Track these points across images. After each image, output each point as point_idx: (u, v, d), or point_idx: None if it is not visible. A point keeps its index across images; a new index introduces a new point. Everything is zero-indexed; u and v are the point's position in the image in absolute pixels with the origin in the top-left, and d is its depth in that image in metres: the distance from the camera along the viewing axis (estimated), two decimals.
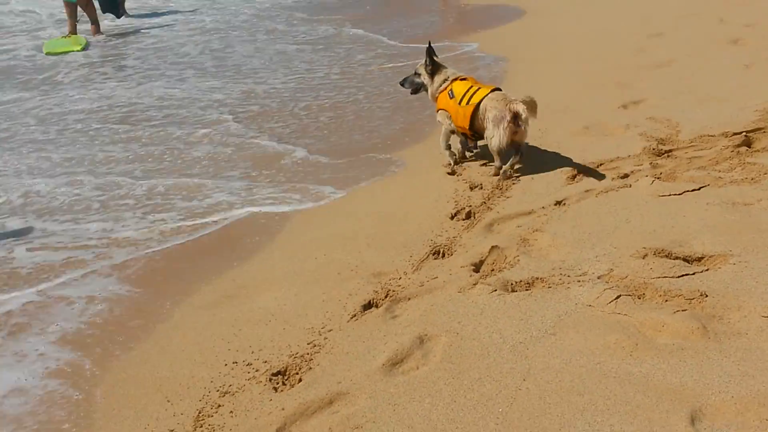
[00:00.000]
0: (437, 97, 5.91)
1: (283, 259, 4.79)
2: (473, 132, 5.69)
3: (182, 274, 4.77)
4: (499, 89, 5.63)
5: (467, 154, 6.09)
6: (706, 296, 3.47)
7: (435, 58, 5.94)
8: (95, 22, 13.92)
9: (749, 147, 5.36)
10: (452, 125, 5.83)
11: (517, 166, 5.56)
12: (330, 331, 3.79)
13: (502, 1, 13.72)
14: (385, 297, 4.03)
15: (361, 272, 4.39)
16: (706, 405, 2.77)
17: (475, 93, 5.61)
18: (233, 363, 3.63)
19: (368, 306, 3.99)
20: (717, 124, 5.87)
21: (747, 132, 5.57)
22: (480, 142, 5.97)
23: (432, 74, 5.95)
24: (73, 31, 13.60)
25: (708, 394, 2.82)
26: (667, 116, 6.22)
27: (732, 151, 5.26)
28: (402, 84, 6.21)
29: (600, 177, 5.22)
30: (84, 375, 3.74)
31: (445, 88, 5.82)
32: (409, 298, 3.96)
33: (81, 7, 13.65)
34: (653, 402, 2.82)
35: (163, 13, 16.12)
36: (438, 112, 5.91)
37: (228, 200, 5.86)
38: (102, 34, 13.88)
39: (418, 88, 6.12)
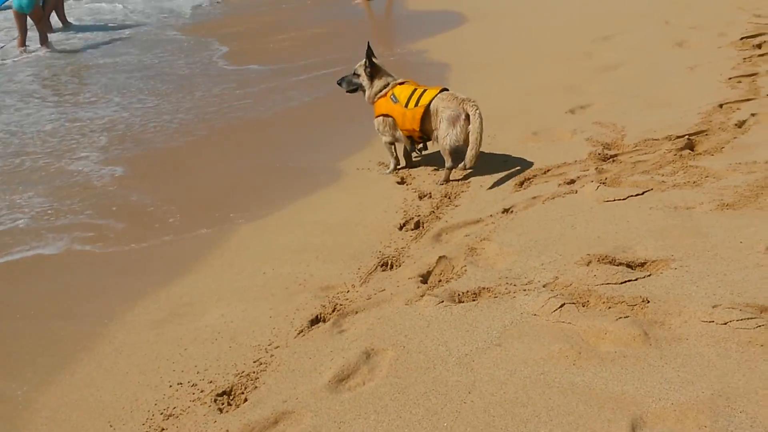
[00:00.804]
0: (376, 102, 5.89)
1: (231, 273, 4.74)
2: (422, 134, 5.70)
3: (126, 288, 4.69)
4: (446, 89, 5.65)
5: (414, 154, 6.10)
6: (648, 302, 3.50)
7: (374, 60, 5.91)
8: (45, 40, 13.43)
9: (692, 150, 5.44)
10: (390, 136, 5.84)
11: (467, 170, 5.61)
12: (277, 348, 3.76)
13: (441, 6, 13.68)
14: (333, 311, 4.01)
15: (309, 286, 4.37)
16: (647, 413, 2.79)
17: (422, 94, 5.62)
18: (178, 384, 3.58)
19: (315, 321, 3.97)
20: (661, 127, 5.94)
21: (690, 135, 5.65)
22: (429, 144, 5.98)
23: (371, 77, 5.92)
24: (23, 44, 13.27)
25: (648, 401, 2.84)
26: (613, 120, 6.29)
27: (675, 155, 5.33)
28: (339, 83, 6.14)
29: (547, 183, 5.25)
30: (16, 403, 3.65)
31: (386, 94, 5.81)
32: (356, 312, 3.95)
33: (33, 20, 13.31)
34: (595, 411, 2.83)
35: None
36: (376, 119, 5.89)
37: None
38: (48, 48, 13.33)
39: (355, 89, 6.07)
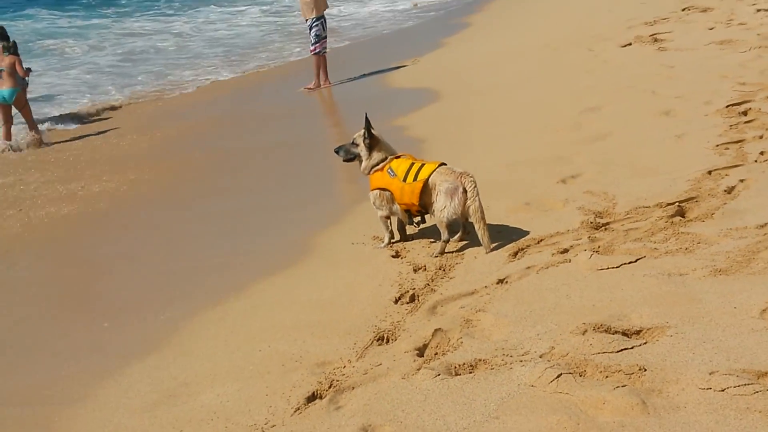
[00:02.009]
0: (372, 175, 5.94)
1: (226, 352, 4.72)
2: (421, 208, 5.74)
3: (120, 369, 4.66)
4: (444, 164, 5.72)
5: (413, 227, 6.13)
6: (645, 370, 3.49)
7: (373, 131, 5.97)
8: (33, 126, 12.93)
9: (683, 217, 5.49)
10: (386, 210, 5.88)
11: (462, 242, 5.66)
12: (273, 426, 3.73)
13: (421, 84, 13.76)
14: (329, 387, 3.99)
15: (305, 363, 4.35)
16: None
17: (420, 169, 5.68)
18: None
19: (312, 398, 3.95)
20: (651, 195, 6.01)
21: (680, 202, 5.70)
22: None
23: (370, 148, 5.95)
24: (8, 136, 12.71)
25: None
26: (603, 189, 6.36)
27: (666, 222, 5.37)
28: (337, 151, 6.17)
29: (540, 253, 5.28)
30: None
31: (382, 167, 5.86)
32: (353, 387, 3.92)
33: (17, 108, 12.86)
34: None
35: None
36: (372, 192, 5.93)
37: None
38: (41, 140, 12.63)
39: (352, 158, 6.10)
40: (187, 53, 20.77)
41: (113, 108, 15.01)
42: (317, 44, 14.63)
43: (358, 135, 5.99)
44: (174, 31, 24.94)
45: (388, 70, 15.29)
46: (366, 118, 5.89)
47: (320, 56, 14.70)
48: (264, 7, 29.50)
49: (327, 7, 15.02)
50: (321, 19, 14.68)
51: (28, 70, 13.13)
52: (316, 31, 14.63)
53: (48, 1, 31.02)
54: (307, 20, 14.77)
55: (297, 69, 17.00)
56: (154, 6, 31.49)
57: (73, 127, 13.93)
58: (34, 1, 30.96)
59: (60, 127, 13.96)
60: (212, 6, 30.21)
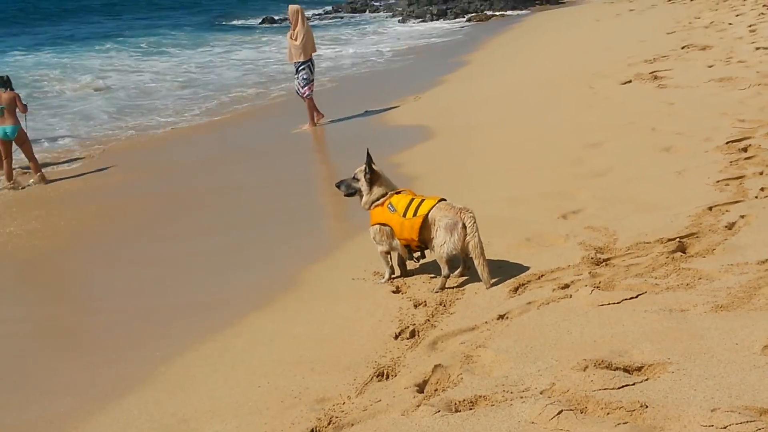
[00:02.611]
0: (372, 210, 5.96)
1: (226, 388, 4.69)
2: (420, 243, 5.74)
3: (118, 407, 4.63)
4: (444, 199, 5.73)
5: (414, 263, 6.12)
6: (647, 407, 3.46)
7: (374, 167, 5.99)
8: (33, 159, 12.77)
9: (684, 252, 5.48)
10: (387, 245, 5.89)
11: (462, 278, 5.66)
12: None
13: (408, 122, 13.88)
14: (328, 424, 3.96)
15: (305, 399, 4.32)
16: None
17: (420, 204, 5.69)
18: None
19: None
20: (652, 230, 6.00)
21: (681, 238, 5.70)
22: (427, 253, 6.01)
23: (370, 183, 5.98)
24: (10, 175, 12.57)
25: None
26: (604, 225, 6.36)
27: (667, 258, 5.37)
28: (338, 186, 6.19)
29: (541, 288, 5.26)
30: None
31: (383, 203, 5.87)
32: (352, 424, 3.90)
33: (17, 144, 12.75)
34: None
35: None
36: (372, 227, 5.94)
37: None
38: (43, 176, 12.58)
39: (353, 193, 6.11)
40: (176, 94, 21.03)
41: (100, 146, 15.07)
42: (305, 87, 14.70)
43: (360, 170, 6.01)
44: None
45: (387, 109, 15.37)
46: (368, 153, 5.92)
47: (309, 99, 14.76)
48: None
49: (315, 50, 15.14)
50: (309, 62, 14.78)
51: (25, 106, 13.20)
52: (304, 74, 14.70)
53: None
54: (294, 63, 14.83)
55: (282, 108, 17.19)
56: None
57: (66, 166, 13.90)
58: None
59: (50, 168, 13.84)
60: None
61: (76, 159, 14.07)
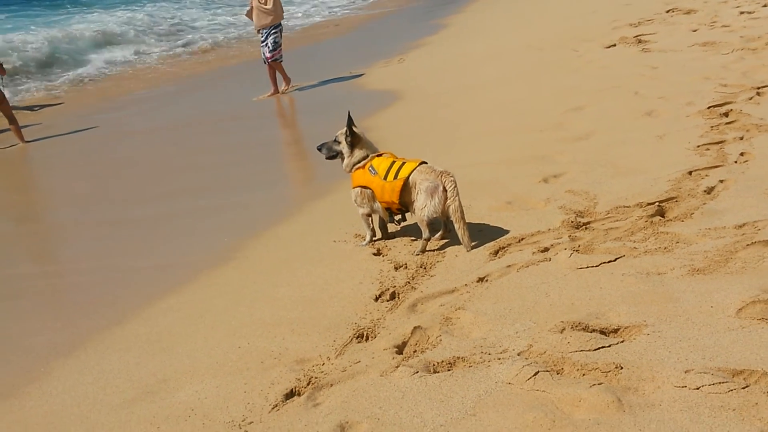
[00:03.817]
0: (354, 172, 5.95)
1: (206, 348, 4.70)
2: (401, 206, 5.74)
3: (98, 366, 4.64)
4: (425, 162, 5.72)
5: (395, 226, 6.13)
6: (622, 368, 3.51)
7: (355, 129, 5.96)
8: (13, 122, 12.85)
9: (663, 216, 5.52)
10: (368, 208, 5.89)
11: (443, 241, 5.68)
12: (251, 423, 3.72)
13: (385, 86, 13.71)
14: (308, 384, 3.98)
15: (284, 360, 4.34)
16: None
17: (401, 167, 5.68)
18: None
19: (290, 395, 3.94)
20: (632, 195, 6.04)
21: (660, 202, 5.74)
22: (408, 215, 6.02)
23: (351, 146, 5.96)
24: None
25: None
26: (585, 189, 6.38)
27: (646, 221, 5.40)
28: (319, 149, 6.15)
29: (521, 252, 5.29)
30: None
31: (364, 165, 5.86)
32: (331, 385, 3.92)
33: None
34: None
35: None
36: (354, 190, 5.93)
37: None
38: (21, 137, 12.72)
39: (334, 156, 6.10)
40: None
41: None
42: (275, 51, 14.53)
43: (341, 133, 5.98)
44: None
45: (364, 72, 15.28)
46: (348, 115, 5.89)
47: (278, 63, 14.63)
48: None
49: (283, 15, 14.98)
50: (279, 26, 14.65)
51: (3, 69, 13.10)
52: (275, 38, 14.55)
53: None
54: (260, 30, 14.63)
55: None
56: None
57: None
58: None
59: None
60: None
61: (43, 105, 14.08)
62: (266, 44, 14.55)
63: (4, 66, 13.37)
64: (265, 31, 14.56)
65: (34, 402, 4.36)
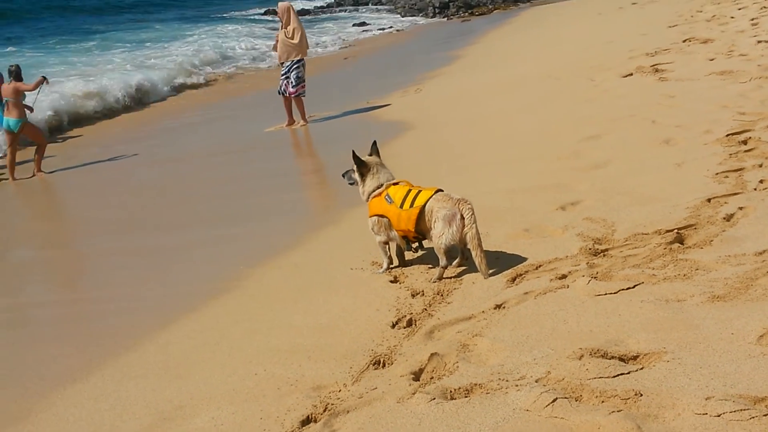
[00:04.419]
0: (370, 201, 5.97)
1: (222, 375, 4.69)
2: (417, 234, 5.75)
3: (115, 394, 4.64)
4: (441, 190, 5.73)
5: (407, 253, 6.12)
6: (641, 395, 3.47)
7: (363, 159, 6.01)
8: (39, 151, 13.24)
9: (681, 244, 5.48)
10: (385, 236, 5.90)
11: (460, 268, 5.67)
12: None
13: (401, 117, 13.72)
14: (324, 411, 3.96)
15: (301, 386, 4.32)
16: None
17: (417, 195, 5.69)
18: None
19: (306, 421, 3.92)
20: (650, 222, 6.00)
21: (679, 229, 5.70)
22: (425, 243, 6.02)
23: (362, 176, 6.02)
24: (12, 166, 13.08)
25: None
26: (603, 216, 6.35)
27: (665, 249, 5.36)
28: (343, 176, 6.27)
29: (539, 279, 5.26)
30: None
31: (380, 193, 5.89)
32: (348, 411, 3.90)
33: (27, 135, 13.29)
34: None
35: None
36: (370, 219, 5.96)
37: None
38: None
39: (353, 183, 6.18)
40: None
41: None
42: (298, 86, 14.52)
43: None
44: None
45: (381, 102, 15.39)
46: (353, 153, 6.01)
47: (299, 98, 14.63)
48: None
49: (307, 51, 15.00)
50: (302, 61, 14.65)
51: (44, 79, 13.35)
52: (298, 72, 14.53)
53: None
54: (284, 63, 14.66)
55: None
56: None
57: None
58: None
59: None
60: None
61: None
62: (288, 78, 14.53)
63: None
64: (287, 64, 14.57)
65: (50, 428, 4.37)
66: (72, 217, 10.61)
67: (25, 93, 13.23)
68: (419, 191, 5.75)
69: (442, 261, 5.65)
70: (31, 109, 13.42)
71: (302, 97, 14.63)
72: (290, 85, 14.53)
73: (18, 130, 12.96)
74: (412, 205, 5.66)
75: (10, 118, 12.89)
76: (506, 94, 14.09)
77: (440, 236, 5.54)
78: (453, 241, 5.53)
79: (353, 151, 6.00)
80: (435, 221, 5.57)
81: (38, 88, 13.51)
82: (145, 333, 5.61)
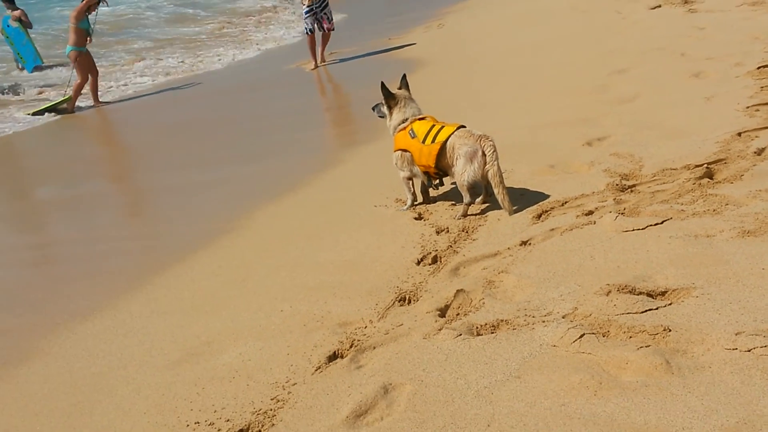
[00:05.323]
0: (396, 135, 5.93)
1: (249, 312, 4.72)
2: (438, 170, 5.70)
3: (144, 329, 4.70)
4: (464, 126, 5.66)
5: (431, 191, 6.09)
6: (670, 331, 3.44)
7: (392, 91, 5.98)
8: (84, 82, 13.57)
9: (711, 179, 5.38)
10: (408, 171, 5.85)
11: (485, 205, 5.63)
12: (294, 384, 3.73)
13: (421, 51, 13.67)
14: (350, 347, 3.98)
15: (327, 323, 4.34)
16: None
17: (440, 131, 5.62)
18: (195, 423, 3.56)
19: (333, 357, 3.94)
20: (679, 157, 5.90)
21: (708, 164, 5.59)
22: (446, 179, 5.98)
23: (389, 108, 5.99)
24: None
25: (672, 431, 2.78)
26: (630, 152, 6.25)
27: (694, 184, 5.27)
28: (373, 109, 6.23)
29: (565, 215, 5.21)
30: None
31: (405, 128, 5.83)
32: (374, 347, 3.91)
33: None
34: None
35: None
36: (395, 153, 5.91)
37: None
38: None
39: (383, 116, 6.15)
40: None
41: None
42: (332, 21, 14.47)
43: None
44: None
45: (402, 38, 15.14)
46: (382, 84, 5.96)
47: (329, 34, 14.54)
48: None
49: None
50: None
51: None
52: (328, 8, 14.48)
53: None
54: (305, 2, 14.40)
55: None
56: None
57: None
58: None
59: None
60: None
61: None
62: (325, 14, 14.33)
63: None
64: (319, 1, 14.36)
65: (81, 363, 4.42)
66: (93, 158, 10.63)
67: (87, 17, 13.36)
68: (442, 127, 5.68)
69: (466, 198, 5.60)
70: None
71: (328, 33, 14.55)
72: (327, 20, 14.38)
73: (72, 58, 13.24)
74: (434, 141, 5.60)
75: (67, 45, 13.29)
76: (531, 28, 13.82)
77: (462, 173, 5.48)
78: (475, 178, 5.47)
79: (382, 83, 5.93)
80: (457, 158, 5.51)
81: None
82: (171, 270, 5.66)
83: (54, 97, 13.87)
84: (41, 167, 10.14)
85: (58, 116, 12.89)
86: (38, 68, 16.51)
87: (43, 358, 4.59)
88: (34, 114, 12.75)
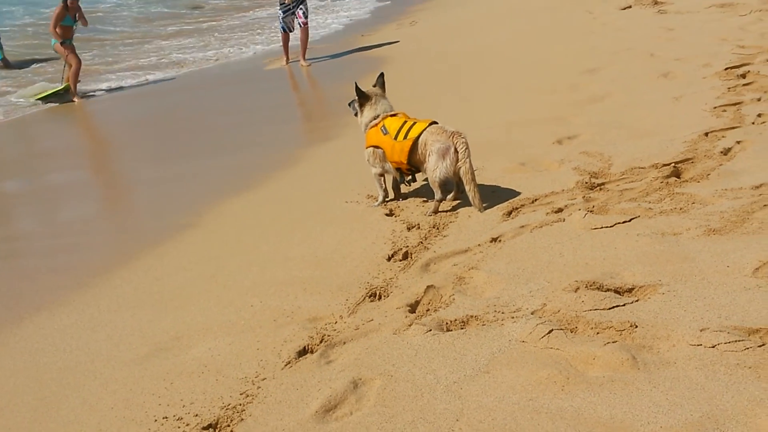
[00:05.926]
0: (367, 132, 5.93)
1: (219, 307, 4.70)
2: (410, 166, 5.71)
3: (112, 324, 4.66)
4: (436, 122, 5.67)
5: (403, 187, 6.10)
6: (636, 327, 3.49)
7: (363, 90, 5.97)
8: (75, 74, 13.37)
9: (678, 178, 5.46)
10: (380, 168, 5.86)
11: (455, 202, 5.65)
12: (264, 379, 3.72)
13: (394, 48, 13.66)
14: (320, 342, 3.98)
15: (297, 318, 4.34)
16: None
17: (411, 127, 5.64)
18: (163, 418, 3.53)
19: (303, 352, 3.93)
20: (647, 156, 5.97)
21: (676, 163, 5.67)
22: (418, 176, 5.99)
23: (361, 106, 5.99)
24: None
25: (637, 426, 2.82)
26: (600, 150, 6.32)
27: (661, 183, 5.35)
28: (349, 104, 6.20)
29: (535, 212, 5.25)
30: None
31: (377, 124, 5.84)
32: (344, 342, 3.92)
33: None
34: None
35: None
36: (366, 150, 5.92)
37: None
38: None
39: (357, 114, 6.13)
40: None
41: None
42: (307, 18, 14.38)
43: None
44: None
45: (375, 35, 15.14)
46: (356, 84, 5.97)
47: (306, 30, 14.40)
48: None
49: None
50: None
51: None
52: (306, 5, 14.36)
53: None
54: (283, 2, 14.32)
55: None
56: None
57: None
58: None
59: None
60: None
61: None
62: (302, 11, 14.19)
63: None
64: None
65: (48, 358, 4.37)
66: (63, 148, 10.50)
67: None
68: (414, 123, 5.70)
69: (437, 194, 5.62)
70: (85, 22, 13.60)
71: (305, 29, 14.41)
72: (303, 15, 14.25)
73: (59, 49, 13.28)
74: (406, 137, 5.61)
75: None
76: (502, 26, 13.91)
77: (434, 170, 5.50)
78: (447, 174, 5.49)
79: (356, 83, 5.94)
80: (429, 154, 5.52)
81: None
82: (140, 264, 5.61)
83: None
84: (6, 160, 9.99)
85: (44, 106, 12.75)
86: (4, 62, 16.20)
87: (8, 352, 4.53)
88: (37, 99, 12.70)
